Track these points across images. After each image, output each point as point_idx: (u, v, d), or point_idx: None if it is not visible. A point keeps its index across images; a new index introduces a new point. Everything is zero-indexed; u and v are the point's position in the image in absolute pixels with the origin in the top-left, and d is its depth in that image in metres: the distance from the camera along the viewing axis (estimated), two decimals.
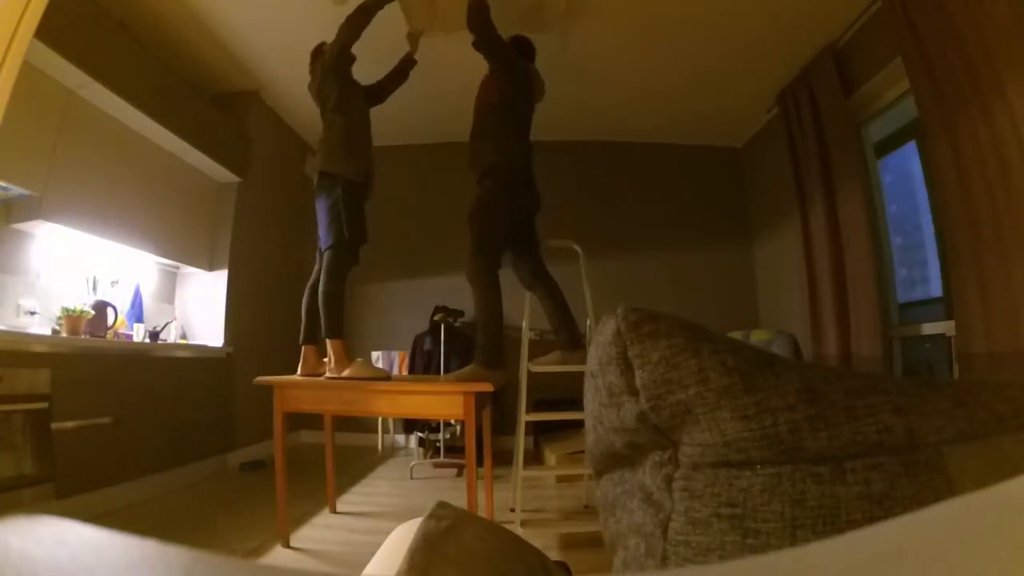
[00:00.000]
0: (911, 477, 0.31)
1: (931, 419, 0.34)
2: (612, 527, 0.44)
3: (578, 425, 2.92)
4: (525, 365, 1.92)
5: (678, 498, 0.35)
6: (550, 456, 2.92)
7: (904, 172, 2.62)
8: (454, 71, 3.14)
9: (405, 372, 3.43)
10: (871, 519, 0.30)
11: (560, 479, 2.73)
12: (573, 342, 1.98)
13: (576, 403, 2.01)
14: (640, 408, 0.36)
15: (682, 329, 0.36)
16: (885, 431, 0.32)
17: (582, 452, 2.72)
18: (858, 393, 0.34)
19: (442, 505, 0.51)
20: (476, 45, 2.04)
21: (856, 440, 0.32)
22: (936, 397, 0.35)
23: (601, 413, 0.41)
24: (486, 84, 2.13)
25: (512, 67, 2.06)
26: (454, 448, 3.18)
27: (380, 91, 2.40)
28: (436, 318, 3.30)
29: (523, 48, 2.17)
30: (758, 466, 0.32)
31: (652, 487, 0.38)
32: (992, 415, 0.35)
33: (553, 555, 0.97)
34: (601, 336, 0.39)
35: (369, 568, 0.46)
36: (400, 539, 0.45)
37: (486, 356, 1.81)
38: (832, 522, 0.30)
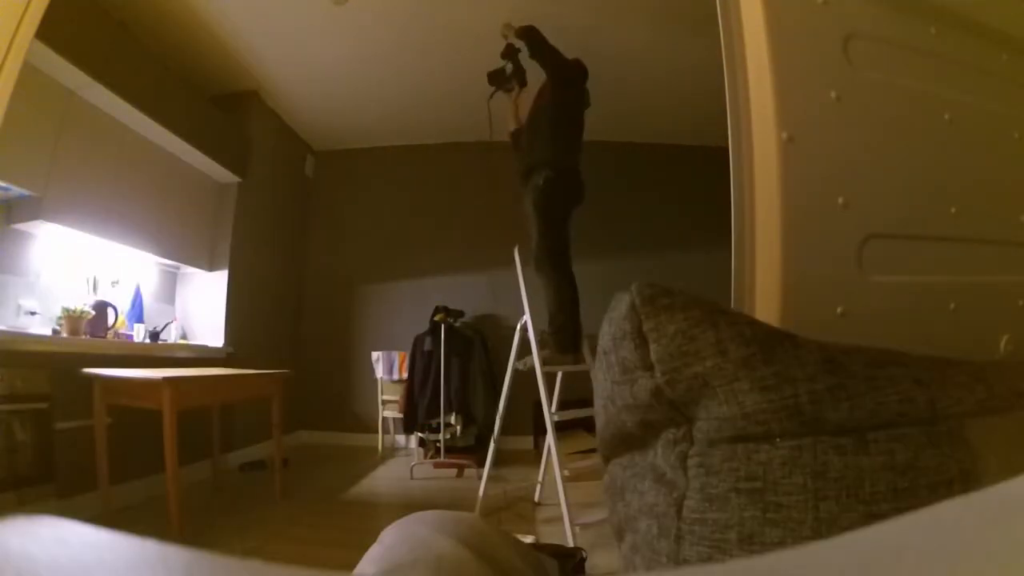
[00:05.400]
0: (935, 448, 0.31)
1: (951, 391, 0.33)
2: (621, 511, 0.44)
3: (579, 426, 2.91)
4: (538, 364, 1.93)
5: (693, 475, 0.34)
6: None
7: None
8: (457, 71, 3.14)
9: (405, 373, 3.43)
10: (896, 490, 0.30)
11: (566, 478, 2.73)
12: (562, 346, 2.00)
13: (583, 403, 2.02)
14: (655, 383, 0.35)
15: (698, 302, 0.35)
16: (907, 402, 0.32)
17: (584, 452, 2.72)
18: (878, 364, 0.33)
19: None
20: (532, 55, 2.20)
21: (878, 411, 0.31)
22: (955, 372, 0.35)
23: (613, 391, 0.40)
24: (542, 89, 2.23)
25: (566, 65, 2.18)
26: (454, 448, 3.18)
27: None
28: (436, 318, 3.30)
29: (579, 69, 2.30)
30: (778, 439, 0.32)
31: (665, 466, 0.37)
32: (1012, 391, 0.35)
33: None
34: (615, 312, 0.38)
35: (359, 568, 0.45)
36: (391, 540, 0.45)
37: (557, 342, 1.97)
38: (856, 493, 0.29)
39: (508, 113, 2.39)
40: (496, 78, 2.37)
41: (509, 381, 2.14)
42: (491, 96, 2.40)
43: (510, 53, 2.36)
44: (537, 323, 2.02)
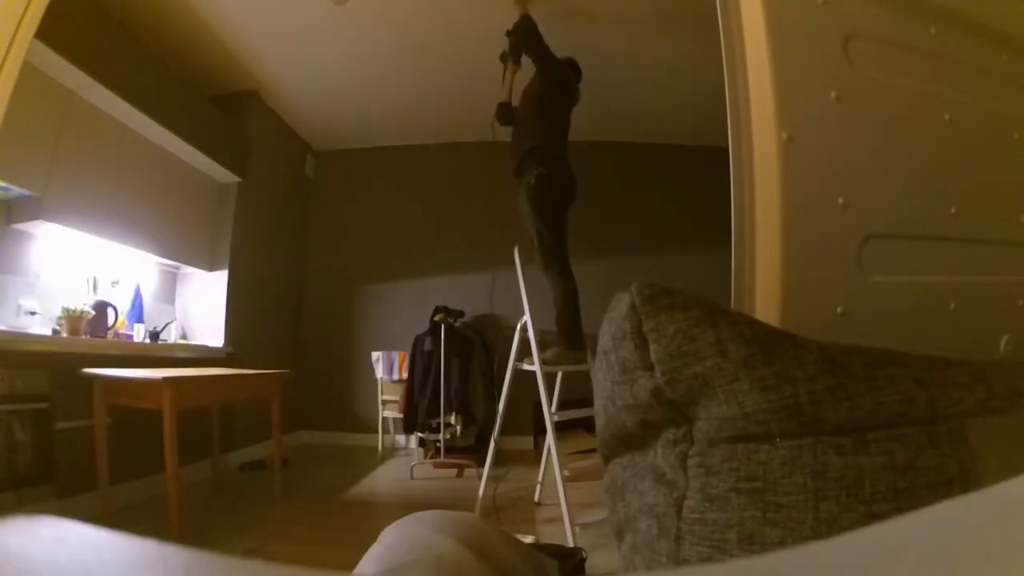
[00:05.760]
0: (935, 448, 0.31)
1: (951, 391, 0.33)
2: (621, 511, 0.44)
3: (579, 426, 2.91)
4: (538, 364, 1.93)
5: (693, 475, 0.34)
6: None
7: None
8: (457, 71, 3.14)
9: (405, 373, 3.43)
10: (896, 490, 0.30)
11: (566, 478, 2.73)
12: (572, 343, 2.00)
13: (584, 403, 2.02)
14: (655, 383, 0.35)
15: (698, 302, 0.35)
16: (907, 402, 0.32)
17: (584, 452, 2.72)
18: (878, 364, 0.33)
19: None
20: (525, 51, 2.25)
21: (878, 411, 0.31)
22: (955, 372, 0.35)
23: (613, 391, 0.40)
24: (530, 82, 2.28)
25: (554, 64, 2.22)
26: (454, 448, 3.18)
27: None
28: (436, 318, 3.30)
29: (573, 67, 2.36)
30: (778, 439, 0.32)
31: (665, 466, 0.37)
32: (1012, 391, 0.35)
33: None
34: (615, 312, 0.38)
35: (359, 568, 0.45)
36: (391, 540, 0.45)
37: (568, 339, 1.99)
38: (856, 493, 0.30)
39: (504, 84, 2.45)
40: (504, 57, 2.42)
41: (509, 381, 2.14)
42: (503, 75, 2.45)
43: (510, 51, 2.38)
44: (537, 323, 2.02)
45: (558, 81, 2.22)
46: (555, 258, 2.03)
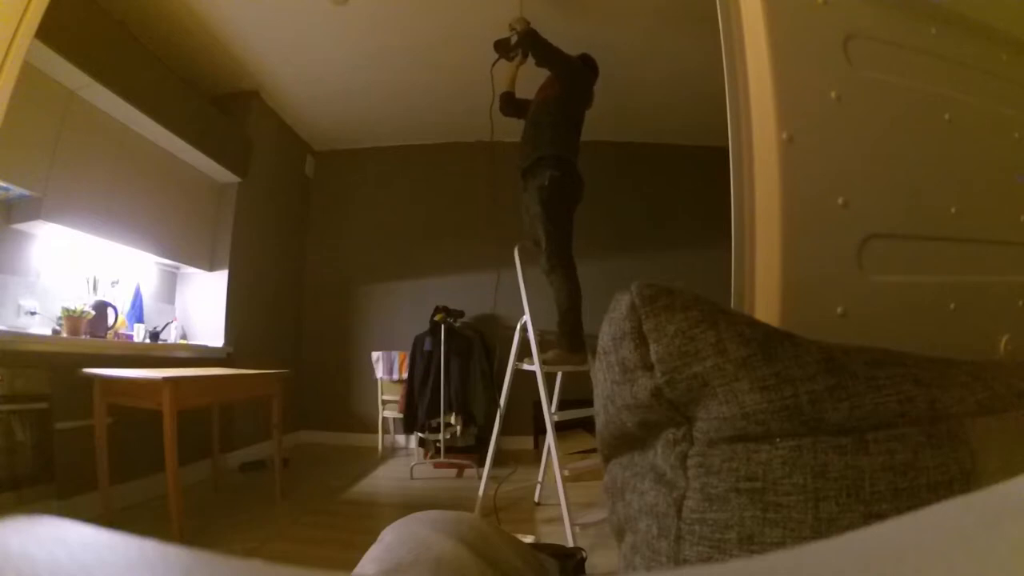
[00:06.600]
0: (935, 448, 0.31)
1: (951, 391, 0.33)
2: (621, 511, 0.44)
3: (579, 426, 2.91)
4: (538, 364, 1.93)
5: (693, 475, 0.34)
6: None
7: None
8: (457, 71, 3.14)
9: (405, 373, 3.43)
10: (896, 489, 0.30)
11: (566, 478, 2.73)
12: (573, 346, 1.99)
13: (584, 403, 2.02)
14: (655, 383, 0.35)
15: (698, 302, 0.35)
16: (907, 402, 0.32)
17: (584, 452, 2.72)
18: (878, 364, 0.33)
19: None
20: (539, 63, 2.18)
21: (878, 411, 0.31)
22: (955, 372, 0.35)
23: (613, 391, 0.40)
24: (548, 82, 2.23)
25: (573, 68, 2.18)
26: (454, 448, 3.18)
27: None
28: (436, 318, 3.30)
29: (588, 64, 2.30)
30: (777, 439, 0.32)
31: (665, 466, 0.37)
32: (1012, 391, 0.35)
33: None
34: (615, 312, 0.38)
35: (359, 567, 0.45)
36: (391, 540, 0.45)
37: (571, 342, 1.98)
38: (856, 493, 0.30)
39: (506, 74, 2.37)
40: (502, 46, 2.33)
41: (509, 381, 2.14)
42: (494, 64, 2.36)
43: (515, 46, 2.32)
44: (537, 323, 2.02)
45: (577, 84, 2.19)
46: (561, 260, 2.02)
